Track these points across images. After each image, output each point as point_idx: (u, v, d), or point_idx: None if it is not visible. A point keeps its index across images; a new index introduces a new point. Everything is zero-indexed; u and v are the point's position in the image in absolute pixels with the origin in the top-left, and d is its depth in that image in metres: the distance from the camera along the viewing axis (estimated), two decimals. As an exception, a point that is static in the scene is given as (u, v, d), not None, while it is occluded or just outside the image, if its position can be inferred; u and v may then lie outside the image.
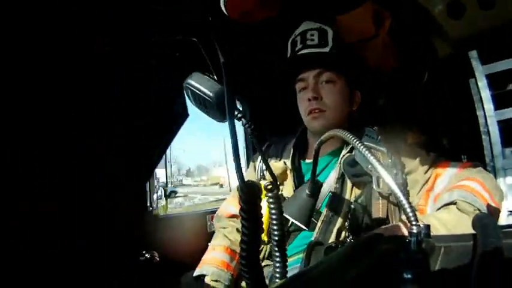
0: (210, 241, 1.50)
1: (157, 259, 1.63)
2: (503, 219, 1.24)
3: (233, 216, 1.39)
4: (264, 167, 1.31)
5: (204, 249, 1.46)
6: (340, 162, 1.16)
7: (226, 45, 0.69)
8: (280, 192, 1.21)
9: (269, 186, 0.71)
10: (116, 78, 1.36)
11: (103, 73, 1.32)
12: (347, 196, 1.13)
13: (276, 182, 0.75)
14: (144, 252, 1.61)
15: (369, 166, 1.05)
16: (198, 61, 0.76)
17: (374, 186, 1.06)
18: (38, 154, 1.22)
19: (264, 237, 0.80)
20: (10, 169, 1.14)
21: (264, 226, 0.81)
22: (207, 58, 0.70)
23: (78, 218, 1.33)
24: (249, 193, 0.54)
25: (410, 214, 0.50)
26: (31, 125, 1.18)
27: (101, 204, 1.40)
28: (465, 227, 0.85)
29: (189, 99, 0.74)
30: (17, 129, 1.15)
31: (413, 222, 0.49)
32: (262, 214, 0.57)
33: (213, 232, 1.56)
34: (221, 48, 0.69)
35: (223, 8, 1.18)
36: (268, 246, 1.21)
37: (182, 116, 1.69)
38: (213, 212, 1.90)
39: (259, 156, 1.36)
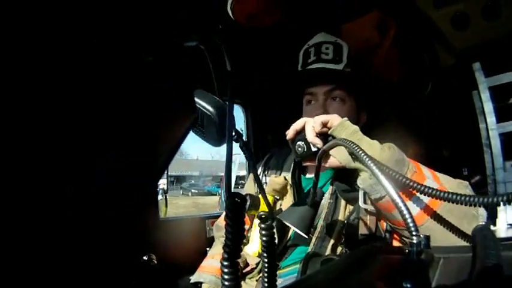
0: (209, 246, 1.50)
1: (155, 262, 1.63)
2: (502, 232, 1.23)
3: None
4: (264, 180, 1.30)
5: (202, 254, 1.45)
6: (332, 178, 1.14)
7: (233, 53, 0.69)
8: (279, 207, 1.20)
9: (263, 216, 0.71)
10: (123, 82, 1.36)
11: (108, 71, 1.32)
12: (341, 212, 1.10)
13: (271, 209, 0.74)
14: (142, 255, 1.61)
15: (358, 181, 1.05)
16: (204, 69, 0.76)
17: (360, 203, 1.02)
18: (40, 153, 1.21)
19: (260, 250, 0.80)
20: (12, 168, 1.14)
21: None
22: (211, 67, 0.70)
23: (78, 219, 1.32)
24: (234, 204, 0.56)
25: (411, 224, 0.50)
26: (34, 125, 1.18)
27: (103, 203, 1.39)
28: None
29: None
30: (19, 128, 1.15)
31: (414, 233, 0.49)
32: (244, 225, 0.59)
33: (212, 237, 1.56)
34: (228, 56, 0.70)
35: (230, 13, 1.18)
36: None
37: (191, 119, 1.69)
38: (213, 217, 1.90)
39: (259, 168, 1.36)
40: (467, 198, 0.58)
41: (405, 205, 0.52)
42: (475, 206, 0.58)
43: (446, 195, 0.60)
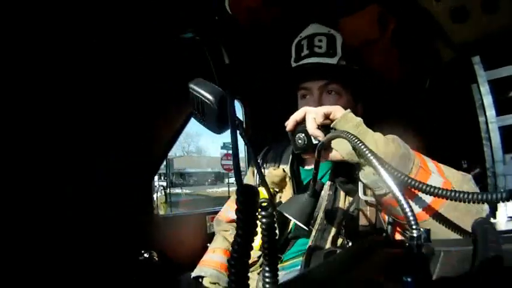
0: (209, 242, 1.50)
1: (156, 259, 1.64)
2: (502, 225, 1.24)
3: (233, 221, 1.40)
4: (263, 173, 1.30)
5: (202, 250, 1.46)
6: (332, 169, 1.15)
7: (230, 46, 0.69)
8: (279, 200, 1.20)
9: (263, 204, 0.71)
10: (120, 78, 1.36)
11: (106, 71, 1.32)
12: (341, 203, 1.10)
13: (272, 198, 0.74)
14: (143, 251, 1.62)
15: (357, 172, 1.04)
16: (202, 66, 0.76)
17: (360, 195, 1.02)
18: (40, 153, 1.22)
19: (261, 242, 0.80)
20: (12, 167, 1.15)
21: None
22: (209, 60, 0.69)
23: (79, 215, 1.33)
24: (246, 195, 0.55)
25: (411, 218, 0.50)
26: (34, 124, 1.18)
27: (103, 202, 1.40)
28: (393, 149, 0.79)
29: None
30: (19, 128, 1.15)
31: (414, 227, 0.49)
32: (257, 217, 0.58)
33: (213, 233, 1.56)
34: (226, 49, 0.69)
35: (227, 6, 1.17)
36: None
37: (186, 114, 1.70)
38: (213, 212, 1.90)
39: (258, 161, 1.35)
40: (470, 196, 0.56)
41: (408, 203, 0.52)
42: (478, 203, 0.57)
43: (450, 193, 0.59)
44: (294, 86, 1.24)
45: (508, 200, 0.51)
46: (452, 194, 0.58)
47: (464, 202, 0.57)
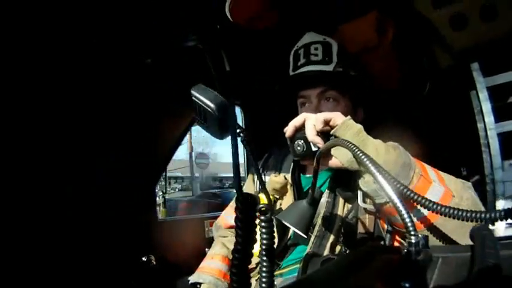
0: (207, 247, 1.50)
1: (154, 263, 1.63)
2: (501, 231, 1.23)
3: (232, 227, 1.40)
4: (264, 179, 1.29)
5: (201, 255, 1.45)
6: (331, 176, 1.14)
7: (232, 54, 0.69)
8: (279, 206, 1.20)
9: (263, 209, 0.71)
10: (123, 79, 1.36)
11: (109, 72, 1.32)
12: (339, 210, 1.10)
13: (271, 204, 0.74)
14: (141, 255, 1.61)
15: (357, 180, 1.04)
16: (204, 69, 0.76)
17: (359, 202, 1.01)
18: (41, 154, 1.22)
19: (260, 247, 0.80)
20: (12, 167, 1.15)
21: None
22: (211, 67, 0.69)
23: (78, 219, 1.33)
24: (245, 204, 0.55)
25: (409, 224, 0.50)
26: (34, 124, 1.18)
27: (102, 202, 1.40)
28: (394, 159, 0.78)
29: None
30: (20, 129, 1.15)
31: (412, 233, 0.49)
32: (256, 225, 0.58)
33: (211, 238, 1.56)
34: (227, 57, 0.69)
35: (228, 14, 1.18)
36: None
37: (188, 120, 1.70)
38: (211, 217, 1.90)
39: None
40: (467, 214, 0.55)
41: (408, 212, 0.52)
42: (476, 222, 0.56)
43: (447, 210, 0.58)
44: (293, 95, 1.25)
45: (505, 219, 0.51)
46: (450, 210, 0.57)
47: (461, 220, 0.56)
